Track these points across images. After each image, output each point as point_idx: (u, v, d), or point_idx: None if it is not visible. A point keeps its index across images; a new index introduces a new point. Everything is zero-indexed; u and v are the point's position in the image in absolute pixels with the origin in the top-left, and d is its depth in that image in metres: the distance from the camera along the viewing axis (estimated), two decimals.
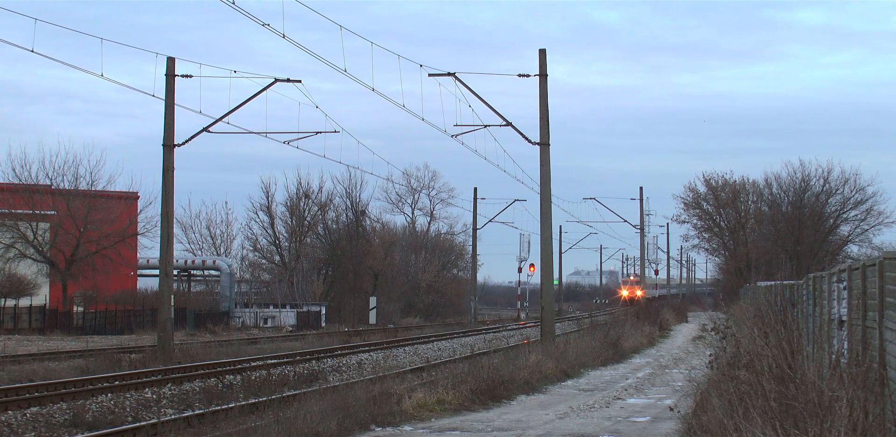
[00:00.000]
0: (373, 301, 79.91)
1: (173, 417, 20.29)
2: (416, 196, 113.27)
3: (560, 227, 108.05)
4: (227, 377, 28.51)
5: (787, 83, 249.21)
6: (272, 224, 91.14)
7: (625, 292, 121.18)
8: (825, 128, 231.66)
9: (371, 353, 39.53)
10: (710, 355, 19.75)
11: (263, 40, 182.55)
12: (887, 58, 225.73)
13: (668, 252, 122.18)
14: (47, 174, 66.80)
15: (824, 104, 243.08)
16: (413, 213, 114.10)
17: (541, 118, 38.12)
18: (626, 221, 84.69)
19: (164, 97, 37.61)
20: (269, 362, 33.32)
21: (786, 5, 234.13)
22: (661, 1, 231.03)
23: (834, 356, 13.15)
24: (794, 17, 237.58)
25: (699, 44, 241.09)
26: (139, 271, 79.48)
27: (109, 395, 24.26)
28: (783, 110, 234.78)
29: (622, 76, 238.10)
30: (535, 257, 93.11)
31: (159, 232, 40.43)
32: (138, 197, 70.60)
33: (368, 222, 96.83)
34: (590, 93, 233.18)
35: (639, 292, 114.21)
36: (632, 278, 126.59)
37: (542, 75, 38.10)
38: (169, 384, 26.59)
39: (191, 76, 37.48)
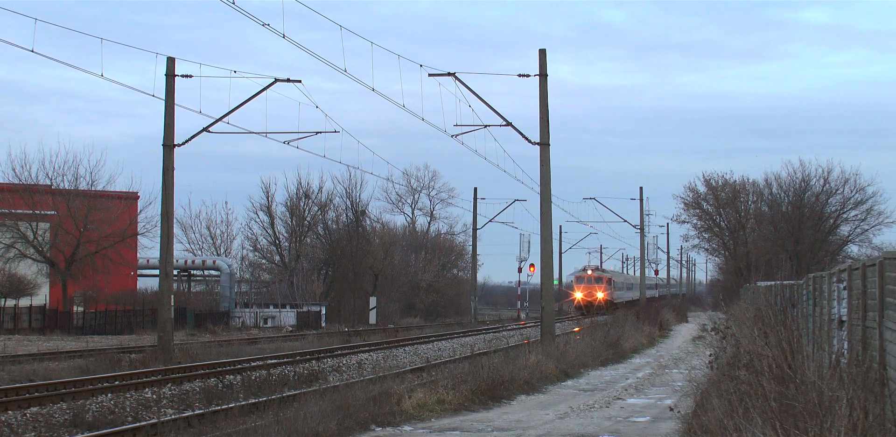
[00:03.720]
0: (373, 301, 79.93)
1: (173, 417, 20.28)
2: (416, 196, 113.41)
3: (560, 227, 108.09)
4: (227, 377, 28.51)
5: (791, 83, 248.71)
6: (272, 224, 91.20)
7: (578, 294, 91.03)
8: (828, 127, 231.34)
9: (371, 353, 39.52)
10: (710, 355, 19.77)
11: (265, 40, 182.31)
12: (892, 57, 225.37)
13: (668, 252, 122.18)
14: (47, 174, 66.91)
15: (828, 104, 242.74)
16: (413, 213, 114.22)
17: (541, 118, 38.13)
18: (626, 221, 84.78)
19: (164, 97, 37.61)
20: (269, 362, 33.32)
21: (791, 5, 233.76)
22: (668, 0, 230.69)
23: (834, 356, 13.15)
24: (799, 17, 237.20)
25: (704, 43, 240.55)
26: (139, 271, 79.49)
27: (109, 395, 24.26)
28: (786, 110, 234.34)
29: (626, 75, 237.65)
30: (535, 257, 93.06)
31: (159, 232, 40.43)
32: (138, 197, 70.66)
33: (368, 221, 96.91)
34: (594, 92, 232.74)
35: (600, 294, 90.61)
36: (589, 272, 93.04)
37: (542, 75, 38.11)
38: (169, 384, 26.59)
39: (191, 76, 37.50)
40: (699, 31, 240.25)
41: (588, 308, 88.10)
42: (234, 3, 26.38)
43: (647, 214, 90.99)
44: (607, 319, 52.14)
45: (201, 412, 20.87)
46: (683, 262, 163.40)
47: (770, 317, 16.37)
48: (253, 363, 32.51)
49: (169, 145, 37.88)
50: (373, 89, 34.02)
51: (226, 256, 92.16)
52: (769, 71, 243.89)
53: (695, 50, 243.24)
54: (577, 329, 51.84)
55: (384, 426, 18.88)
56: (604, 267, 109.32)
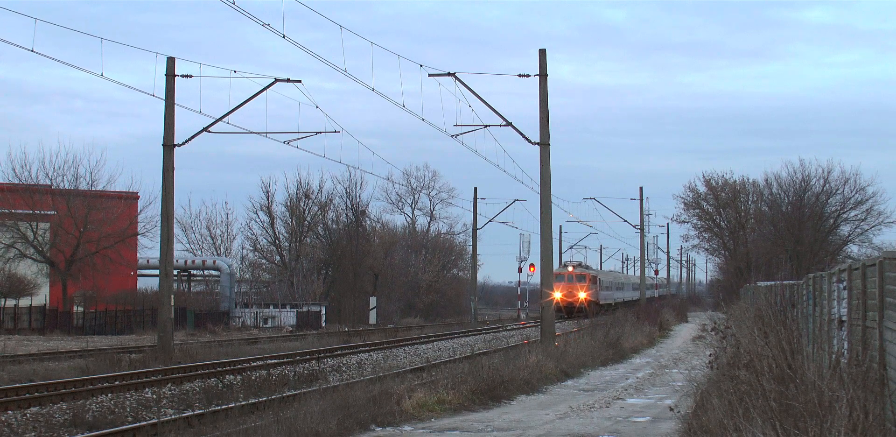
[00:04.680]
0: (373, 301, 79.93)
1: (173, 417, 20.29)
2: (416, 196, 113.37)
3: (560, 227, 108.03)
4: (227, 377, 28.51)
5: (793, 83, 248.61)
6: (272, 224, 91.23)
7: (557, 294, 73.48)
8: (828, 127, 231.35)
9: (371, 353, 39.52)
10: (710, 355, 19.77)
11: (266, 39, 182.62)
12: (893, 57, 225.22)
13: (668, 252, 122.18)
14: (47, 174, 66.94)
15: (829, 104, 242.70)
16: (413, 213, 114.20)
17: (541, 118, 38.13)
18: (626, 221, 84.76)
19: (164, 97, 37.59)
20: (269, 362, 33.32)
21: (793, 4, 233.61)
22: None
23: (834, 356, 13.16)
24: (801, 16, 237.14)
25: (706, 43, 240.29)
26: (139, 271, 79.52)
27: (109, 395, 24.27)
28: (787, 110, 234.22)
29: (627, 75, 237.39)
30: (535, 257, 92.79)
31: (159, 232, 40.43)
32: (138, 197, 70.68)
33: (368, 221, 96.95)
34: (595, 92, 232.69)
35: (582, 294, 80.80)
36: (570, 268, 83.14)
37: (542, 75, 38.11)
38: (169, 384, 26.59)
39: (191, 76, 37.47)
40: (700, 30, 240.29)
41: (568, 310, 78.70)
42: (234, 3, 26.39)
43: (647, 214, 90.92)
44: (607, 319, 51.39)
45: (201, 412, 20.88)
46: (683, 262, 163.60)
47: (770, 317, 16.38)
48: (253, 363, 32.51)
49: (169, 145, 37.86)
50: (373, 89, 34.04)
51: (226, 256, 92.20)
52: (770, 71, 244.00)
53: (696, 50, 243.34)
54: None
55: (384, 425, 18.88)
56: (588, 264, 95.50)
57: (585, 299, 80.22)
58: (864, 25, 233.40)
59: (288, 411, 18.45)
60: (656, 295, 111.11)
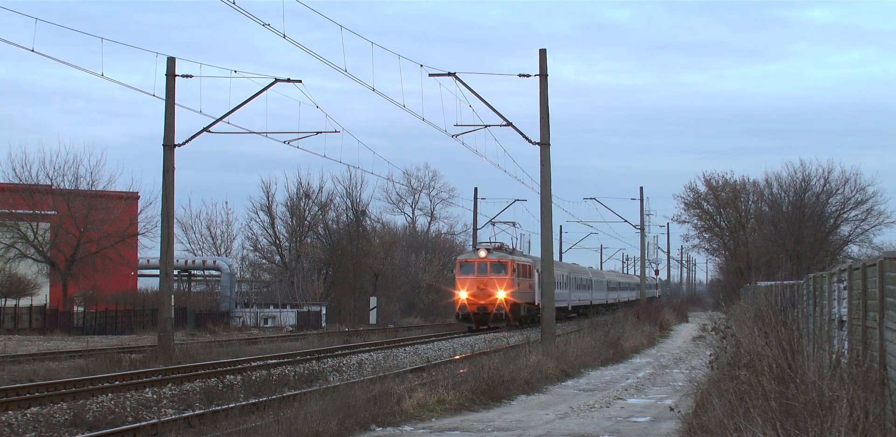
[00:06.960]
0: (373, 301, 79.92)
1: (173, 417, 20.29)
2: (417, 196, 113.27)
3: (560, 227, 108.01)
4: (227, 377, 28.50)
5: (795, 82, 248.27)
6: (272, 224, 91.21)
7: (463, 293, 54.40)
8: (829, 127, 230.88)
9: (371, 353, 39.52)
10: (711, 355, 19.78)
11: (265, 39, 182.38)
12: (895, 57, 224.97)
13: (668, 252, 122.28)
14: (47, 174, 66.97)
15: (831, 103, 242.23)
16: (413, 213, 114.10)
17: (541, 118, 38.14)
18: (626, 221, 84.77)
19: (164, 97, 37.59)
20: (270, 362, 33.32)
21: (797, 4, 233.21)
22: None
23: (834, 356, 13.17)
24: (804, 16, 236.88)
25: (709, 42, 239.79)
26: (139, 271, 79.51)
27: (110, 395, 24.26)
28: (789, 110, 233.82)
29: (630, 75, 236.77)
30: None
31: (159, 232, 40.45)
32: (138, 197, 70.69)
33: (369, 221, 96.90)
34: (597, 92, 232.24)
35: (501, 293, 53.26)
36: (482, 253, 55.04)
37: (543, 75, 38.13)
38: (169, 384, 26.59)
39: (191, 76, 37.47)
40: (704, 30, 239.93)
41: (480, 318, 54.34)
42: (234, 3, 26.41)
43: (648, 214, 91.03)
44: (607, 319, 50.95)
45: (201, 412, 20.87)
46: (684, 262, 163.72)
47: (770, 317, 16.38)
48: (253, 363, 32.51)
49: (169, 145, 37.86)
50: (373, 89, 34.07)
51: (226, 256, 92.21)
52: (772, 70, 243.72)
53: (699, 49, 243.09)
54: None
55: (384, 425, 18.89)
56: (515, 247, 61.98)
57: (506, 299, 53.49)
58: (867, 25, 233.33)
59: (288, 411, 18.45)
60: (657, 295, 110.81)
